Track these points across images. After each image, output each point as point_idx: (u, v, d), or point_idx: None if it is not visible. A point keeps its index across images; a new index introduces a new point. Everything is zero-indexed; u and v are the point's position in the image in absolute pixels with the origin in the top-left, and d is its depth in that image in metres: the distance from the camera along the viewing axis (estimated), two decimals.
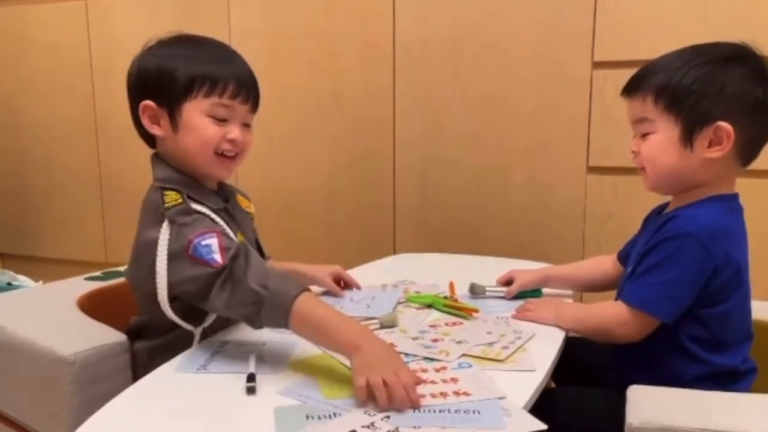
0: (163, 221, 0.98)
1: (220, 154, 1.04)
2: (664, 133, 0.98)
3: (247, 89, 1.04)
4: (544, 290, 1.24)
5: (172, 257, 0.96)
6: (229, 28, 2.05)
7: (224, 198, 1.11)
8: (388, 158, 1.94)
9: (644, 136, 1.01)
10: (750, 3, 1.56)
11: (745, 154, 0.98)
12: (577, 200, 1.76)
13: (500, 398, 0.79)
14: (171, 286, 0.97)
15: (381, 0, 1.88)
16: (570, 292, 1.26)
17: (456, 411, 0.76)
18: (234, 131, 1.04)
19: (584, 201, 1.75)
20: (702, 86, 0.94)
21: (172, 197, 1.00)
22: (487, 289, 1.22)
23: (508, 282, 1.23)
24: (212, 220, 0.99)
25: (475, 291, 1.21)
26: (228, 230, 1.00)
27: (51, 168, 2.41)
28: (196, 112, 1.02)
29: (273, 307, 0.89)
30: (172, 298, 0.99)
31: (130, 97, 1.07)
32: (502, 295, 1.21)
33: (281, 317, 0.89)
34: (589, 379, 1.12)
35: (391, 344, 0.94)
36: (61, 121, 2.35)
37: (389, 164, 1.94)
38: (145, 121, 1.03)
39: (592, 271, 1.24)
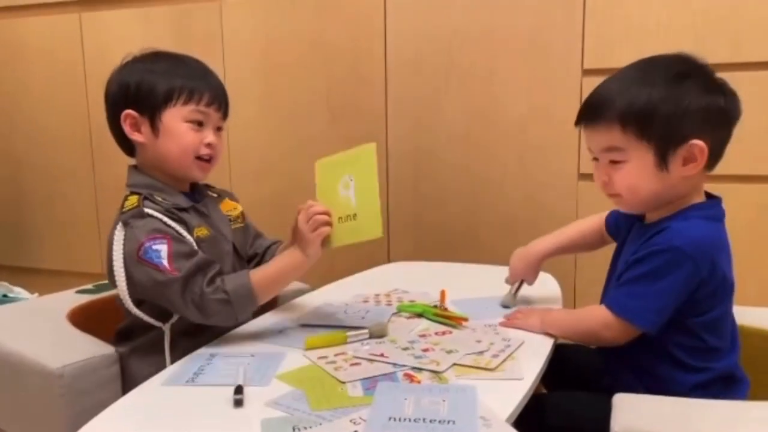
0: (118, 223, 1.06)
1: (198, 158, 1.12)
2: (639, 160, 0.96)
3: (219, 99, 1.14)
4: (534, 295, 1.25)
5: (127, 259, 1.03)
6: (222, 38, 2.06)
7: (195, 198, 1.16)
8: (381, 166, 1.93)
9: (614, 163, 0.99)
10: (737, 8, 1.57)
11: (715, 161, 0.99)
12: (569, 206, 1.76)
13: (481, 416, 0.79)
14: (132, 289, 1.04)
15: (372, 10, 1.89)
16: (560, 299, 1.27)
17: (431, 420, 0.77)
18: (210, 136, 1.13)
19: (576, 207, 1.75)
20: (667, 107, 0.93)
21: (131, 202, 1.07)
22: (514, 295, 1.23)
23: (516, 279, 1.24)
24: (165, 223, 1.04)
25: (508, 304, 1.21)
26: (182, 233, 1.05)
27: (46, 179, 2.42)
28: (176, 117, 1.10)
29: (241, 299, 1.02)
30: (141, 300, 1.06)
31: (109, 109, 1.13)
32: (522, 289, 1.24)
33: (251, 303, 1.04)
34: (580, 385, 1.12)
35: (381, 354, 0.97)
36: (56, 132, 2.36)
37: (382, 172, 1.94)
38: (127, 129, 1.10)
39: (580, 235, 1.25)
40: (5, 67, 2.40)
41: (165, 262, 1.00)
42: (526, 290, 1.26)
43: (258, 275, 1.04)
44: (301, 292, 1.38)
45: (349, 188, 1.04)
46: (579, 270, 1.75)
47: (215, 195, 1.23)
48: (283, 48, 2.01)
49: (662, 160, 0.96)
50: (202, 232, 1.10)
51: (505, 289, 1.26)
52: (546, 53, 1.73)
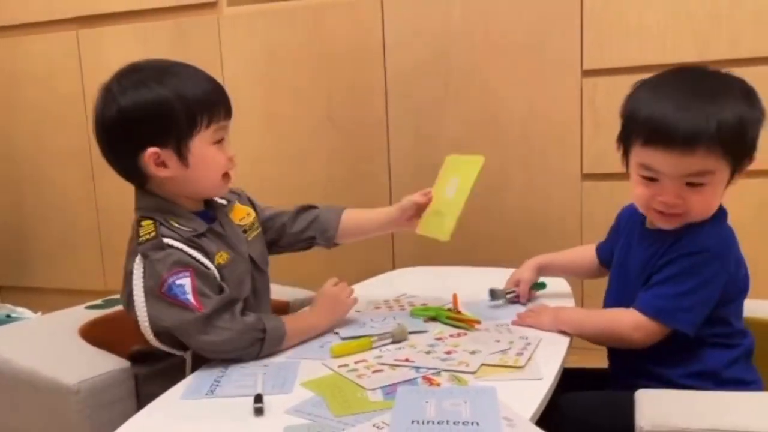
0: (137, 254, 1.00)
1: (224, 175, 1.07)
2: (720, 179, 0.95)
3: (227, 105, 1.06)
4: (543, 298, 1.25)
5: (148, 293, 0.99)
6: (220, 51, 2.07)
7: (210, 217, 1.09)
8: (383, 174, 1.95)
9: (693, 185, 0.95)
10: (733, 8, 1.58)
11: None
12: (573, 208, 1.77)
13: (504, 417, 0.79)
14: (152, 322, 1.00)
15: (371, 20, 1.90)
16: (572, 297, 1.28)
17: (455, 423, 0.77)
18: (230, 149, 1.07)
19: (580, 208, 1.76)
20: (753, 126, 0.94)
21: (146, 229, 1.01)
22: (505, 291, 1.23)
23: (514, 285, 1.25)
24: (186, 253, 0.99)
25: (497, 295, 1.22)
26: (205, 263, 1.00)
27: (47, 198, 2.41)
28: (204, 143, 1.02)
29: (273, 341, 1.01)
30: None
31: (115, 144, 1.03)
32: (517, 295, 1.23)
33: (277, 347, 1.02)
34: (592, 382, 1.12)
35: (406, 359, 0.97)
36: (56, 150, 2.35)
37: (385, 180, 1.95)
38: (152, 167, 1.00)
39: (581, 258, 1.27)
40: (4, 86, 2.39)
41: (190, 297, 0.96)
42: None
43: (290, 324, 1.04)
44: (310, 301, 1.37)
45: (452, 188, 1.14)
46: None
47: (225, 203, 1.16)
48: (282, 60, 2.02)
49: (733, 175, 0.96)
50: (223, 258, 1.05)
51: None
52: (545, 55, 1.74)
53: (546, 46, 1.74)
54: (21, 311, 2.29)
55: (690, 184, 0.95)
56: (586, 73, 1.71)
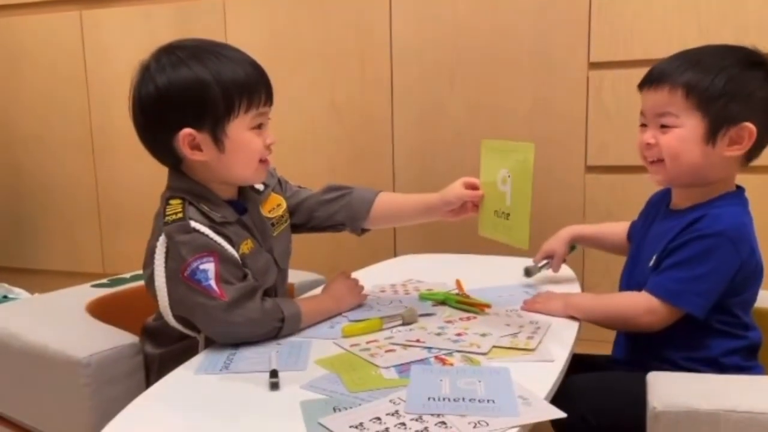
0: (161, 233, 0.98)
1: (261, 161, 1.04)
2: (690, 129, 1.00)
3: (268, 90, 1.03)
4: (549, 284, 1.26)
5: (170, 275, 0.97)
6: (225, 37, 2.06)
7: (241, 208, 1.07)
8: (386, 161, 1.95)
9: (663, 128, 1.02)
10: (741, 3, 1.60)
11: (755, 152, 1.03)
12: (576, 199, 1.78)
13: (519, 396, 0.80)
14: (173, 304, 0.99)
15: (377, 6, 1.90)
16: (577, 282, 1.29)
17: (471, 400, 0.78)
18: (270, 135, 1.04)
19: (583, 200, 1.78)
20: (733, 88, 0.98)
21: (173, 208, 0.98)
22: (539, 266, 1.27)
23: (547, 257, 1.28)
24: (210, 238, 0.97)
25: (531, 272, 1.26)
26: (229, 249, 0.98)
27: (46, 179, 2.39)
28: (241, 128, 1.00)
29: (290, 326, 1.02)
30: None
31: (149, 125, 1.00)
32: (550, 268, 1.28)
33: (293, 332, 1.03)
34: (601, 364, 1.13)
35: (417, 340, 0.98)
36: (56, 132, 2.34)
37: (388, 167, 1.95)
38: (186, 150, 0.98)
39: (614, 234, 1.28)
40: (5, 66, 2.37)
41: (213, 283, 0.94)
42: (545, 275, 1.29)
43: (306, 307, 1.05)
44: (317, 283, 1.38)
45: (506, 184, 1.05)
46: (587, 259, 1.77)
47: (262, 188, 1.13)
48: (287, 46, 2.02)
49: (711, 135, 1.00)
50: (247, 247, 1.03)
51: (516, 280, 1.28)
52: (552, 47, 1.75)
53: (553, 38, 1.75)
54: (18, 292, 2.28)
55: (662, 127, 1.02)
56: (593, 66, 1.72)
